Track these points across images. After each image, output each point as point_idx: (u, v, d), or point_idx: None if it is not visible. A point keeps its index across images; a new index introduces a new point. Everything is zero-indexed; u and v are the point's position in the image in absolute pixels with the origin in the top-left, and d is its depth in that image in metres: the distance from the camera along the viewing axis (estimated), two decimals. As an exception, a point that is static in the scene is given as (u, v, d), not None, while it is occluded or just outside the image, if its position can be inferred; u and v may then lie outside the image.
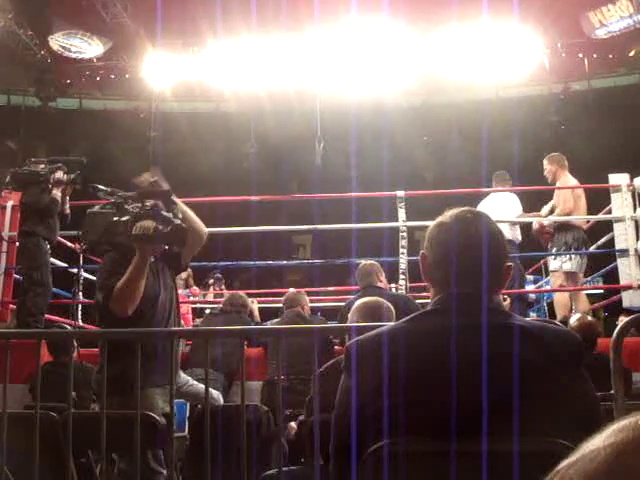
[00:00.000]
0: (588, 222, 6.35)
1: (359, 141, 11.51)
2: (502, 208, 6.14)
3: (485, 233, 1.41)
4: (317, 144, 9.49)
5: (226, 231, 6.61)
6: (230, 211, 10.69)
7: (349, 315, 3.61)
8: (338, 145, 11.64)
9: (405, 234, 6.13)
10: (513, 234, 6.19)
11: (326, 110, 10.18)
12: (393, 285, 5.85)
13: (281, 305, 5.98)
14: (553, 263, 6.13)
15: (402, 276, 6.03)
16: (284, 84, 11.54)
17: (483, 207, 6.05)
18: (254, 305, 5.41)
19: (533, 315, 8.19)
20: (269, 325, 5.20)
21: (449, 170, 11.84)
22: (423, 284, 6.56)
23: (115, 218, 2.97)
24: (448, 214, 1.48)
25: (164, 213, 2.98)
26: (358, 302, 3.79)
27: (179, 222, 2.93)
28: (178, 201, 3.07)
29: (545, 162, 6.32)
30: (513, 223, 6.18)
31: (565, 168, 6.28)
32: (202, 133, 12.83)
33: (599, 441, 0.49)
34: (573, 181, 6.25)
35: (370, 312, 3.44)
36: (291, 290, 5.79)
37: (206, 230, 3.21)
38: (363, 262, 5.34)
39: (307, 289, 6.39)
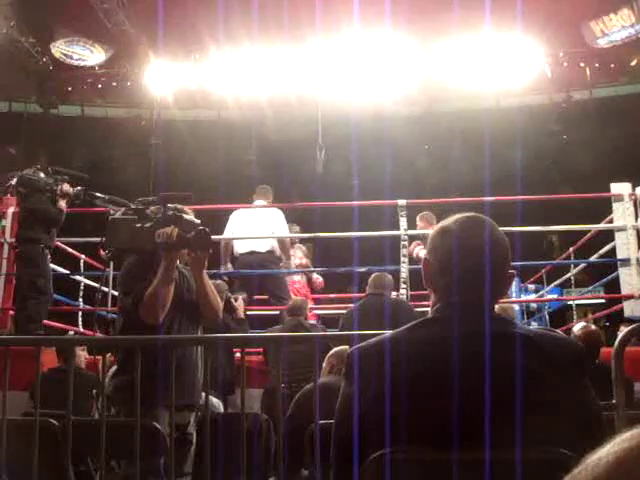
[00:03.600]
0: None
1: (360, 149, 11.52)
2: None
3: (488, 240, 1.40)
4: (318, 152, 9.48)
5: (226, 239, 6.61)
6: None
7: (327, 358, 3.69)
8: (339, 153, 11.65)
9: (406, 243, 6.14)
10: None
11: (327, 118, 10.19)
12: (394, 294, 5.87)
13: (280, 312, 6.00)
14: None
15: (403, 285, 6.03)
16: (285, 92, 11.58)
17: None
18: (239, 302, 5.38)
19: (534, 325, 8.19)
20: (269, 333, 5.22)
21: (451, 178, 11.84)
22: (424, 292, 6.58)
23: (138, 225, 2.96)
24: (452, 220, 1.47)
25: (187, 217, 2.98)
26: (333, 350, 3.87)
27: (203, 227, 2.93)
28: (205, 275, 3.03)
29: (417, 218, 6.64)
30: None
31: (432, 225, 6.39)
32: (203, 141, 12.86)
33: (603, 450, 0.51)
34: None
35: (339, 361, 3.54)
36: (295, 297, 5.80)
37: (221, 307, 3.19)
38: (377, 273, 5.43)
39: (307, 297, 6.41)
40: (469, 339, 1.33)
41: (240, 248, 6.43)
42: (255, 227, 6.39)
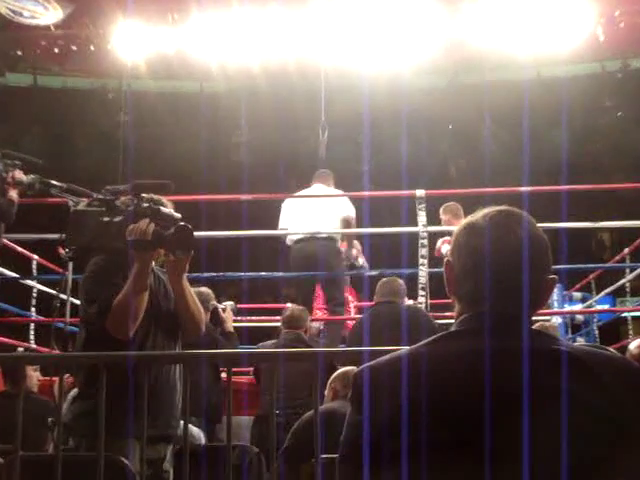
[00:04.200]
0: None
1: (372, 129, 11.50)
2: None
3: (525, 238, 1.41)
4: (321, 132, 9.46)
5: (211, 236, 6.63)
6: (216, 212, 10.73)
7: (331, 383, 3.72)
8: (346, 134, 11.64)
9: (426, 241, 6.17)
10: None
11: (333, 92, 10.17)
12: (411, 302, 5.91)
13: (276, 325, 6.03)
14: None
15: (422, 292, 6.05)
16: (282, 60, 11.51)
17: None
18: (227, 313, 5.42)
19: (581, 341, 8.19)
20: (262, 349, 5.24)
21: (480, 164, 11.84)
22: (446, 301, 6.59)
23: (106, 218, 2.96)
24: (480, 214, 1.48)
25: (164, 210, 2.98)
26: (336, 373, 3.90)
27: (184, 222, 2.93)
28: (186, 280, 3.04)
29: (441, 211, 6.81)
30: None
31: (460, 218, 6.47)
32: (183, 118, 12.85)
33: None
34: None
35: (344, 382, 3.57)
36: (292, 306, 5.83)
37: (204, 319, 3.20)
38: (386, 278, 5.49)
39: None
40: (503, 357, 1.33)
41: (293, 235, 6.51)
42: (314, 213, 6.49)
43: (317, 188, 6.81)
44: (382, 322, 5.05)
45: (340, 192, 6.70)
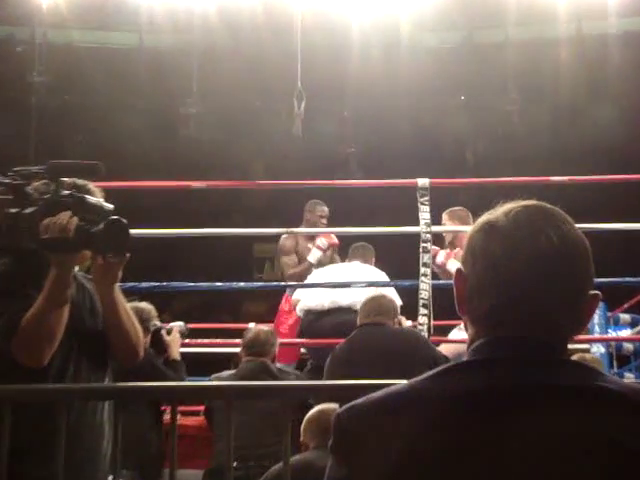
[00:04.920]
0: None
1: (362, 100, 11.54)
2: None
3: (559, 242, 1.41)
4: (296, 103, 9.46)
5: (153, 234, 6.62)
6: (160, 204, 10.70)
7: None
8: (329, 105, 11.64)
9: (429, 245, 6.16)
10: None
11: (312, 49, 10.19)
12: (409, 322, 5.92)
13: (236, 350, 6.04)
14: None
15: (423, 310, 6.05)
16: (246, 6, 11.54)
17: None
18: (174, 336, 5.44)
19: (630, 377, 8.24)
20: (216, 381, 5.25)
21: (500, 146, 11.89)
22: (455, 322, 6.65)
23: (13, 210, 2.92)
24: (502, 211, 1.48)
25: (91, 200, 2.95)
26: (311, 413, 3.91)
27: (117, 216, 2.87)
28: (119, 292, 3.02)
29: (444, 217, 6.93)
30: None
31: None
32: (117, 81, 12.80)
33: None
34: None
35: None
36: (256, 327, 5.84)
37: (142, 342, 3.18)
38: (372, 294, 5.49)
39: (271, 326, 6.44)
40: (528, 395, 1.33)
41: (307, 302, 6.61)
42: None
43: (354, 267, 6.86)
44: (368, 349, 5.07)
45: (383, 275, 6.75)
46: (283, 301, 7.35)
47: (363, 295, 6.29)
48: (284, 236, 7.47)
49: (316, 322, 6.51)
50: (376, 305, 5.44)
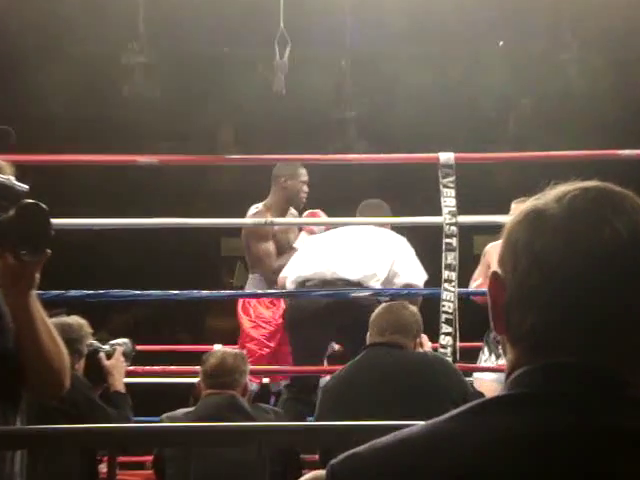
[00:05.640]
0: None
1: (365, 46, 11.55)
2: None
3: (632, 236, 1.40)
4: (278, 50, 9.44)
5: (85, 225, 6.61)
6: (95, 185, 10.69)
7: None
8: (322, 53, 11.66)
9: (455, 241, 6.17)
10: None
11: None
12: (429, 345, 5.92)
13: (196, 379, 6.03)
14: None
15: (446, 327, 6.07)
16: None
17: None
18: (116, 360, 5.44)
19: None
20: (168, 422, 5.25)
21: (553, 110, 11.91)
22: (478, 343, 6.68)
23: None
24: (553, 195, 1.47)
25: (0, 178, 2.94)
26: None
27: (34, 200, 2.86)
28: (36, 302, 3.04)
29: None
30: None
31: None
32: (34, 15, 12.77)
33: None
34: None
35: None
36: (221, 350, 5.84)
37: (69, 368, 3.15)
38: (389, 304, 5.50)
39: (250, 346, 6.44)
40: (590, 444, 1.31)
41: (301, 270, 6.72)
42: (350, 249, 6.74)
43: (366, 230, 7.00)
44: (379, 379, 5.08)
45: (404, 243, 6.75)
46: (240, 311, 7.39)
47: (379, 268, 6.31)
48: (253, 212, 7.52)
49: (309, 300, 6.64)
50: (394, 319, 5.41)
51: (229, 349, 6.00)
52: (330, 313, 6.37)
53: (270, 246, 7.45)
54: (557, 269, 1.40)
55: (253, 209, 7.42)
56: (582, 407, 1.34)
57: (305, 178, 7.47)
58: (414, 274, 6.60)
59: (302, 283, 6.57)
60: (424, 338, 5.64)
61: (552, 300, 1.40)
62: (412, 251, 6.68)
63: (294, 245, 7.33)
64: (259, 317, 7.30)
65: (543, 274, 1.41)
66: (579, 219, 1.42)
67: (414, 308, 5.58)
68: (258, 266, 7.58)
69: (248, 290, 7.58)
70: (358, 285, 6.32)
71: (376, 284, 6.44)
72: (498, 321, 1.47)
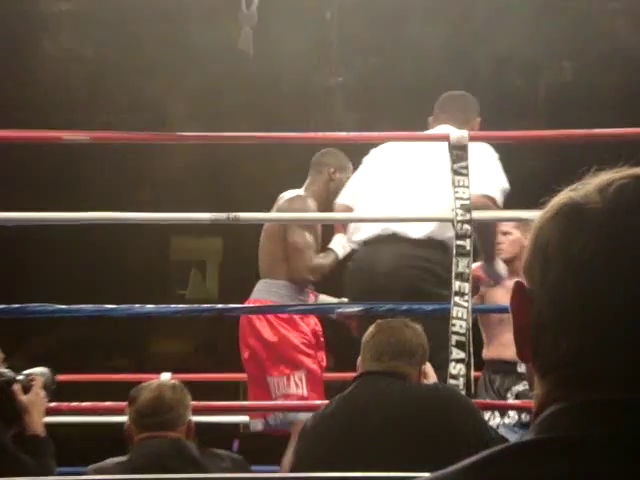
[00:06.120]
0: None
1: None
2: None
3: None
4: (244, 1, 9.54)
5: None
6: (8, 168, 10.69)
7: None
8: (299, 3, 11.72)
9: (467, 243, 6.16)
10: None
11: None
12: (434, 374, 5.92)
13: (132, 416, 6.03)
14: None
15: (457, 352, 6.07)
16: None
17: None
18: (34, 394, 5.43)
19: None
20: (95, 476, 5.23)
21: (594, 74, 11.97)
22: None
23: None
24: (594, 185, 1.47)
25: None
26: None
27: None
28: None
29: None
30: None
31: None
32: None
33: None
34: None
35: None
36: (156, 383, 5.81)
37: None
38: (385, 321, 5.48)
39: (202, 376, 6.43)
40: None
41: (364, 229, 6.97)
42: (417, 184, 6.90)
43: (439, 131, 7.07)
44: (375, 418, 5.04)
45: (489, 149, 6.76)
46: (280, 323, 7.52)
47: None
48: (292, 196, 7.74)
49: (365, 256, 6.91)
50: (394, 340, 5.37)
51: (165, 380, 5.94)
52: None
53: (310, 237, 7.52)
54: (600, 279, 1.40)
55: (292, 193, 7.60)
56: (631, 455, 1.33)
57: (351, 175, 7.63)
58: (489, 183, 6.70)
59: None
60: (428, 366, 5.60)
61: (593, 319, 1.40)
62: (492, 156, 6.87)
63: (330, 246, 7.41)
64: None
65: (581, 286, 1.41)
66: (628, 216, 1.42)
67: (418, 327, 5.51)
68: (289, 263, 7.69)
69: (262, 302, 7.69)
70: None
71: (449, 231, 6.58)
72: (523, 346, 1.48)
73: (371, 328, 5.44)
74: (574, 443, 1.36)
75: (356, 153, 7.34)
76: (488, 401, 6.46)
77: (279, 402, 6.99)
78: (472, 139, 6.21)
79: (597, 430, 1.35)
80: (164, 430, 5.23)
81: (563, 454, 1.35)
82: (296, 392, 7.29)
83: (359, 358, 5.43)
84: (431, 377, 5.65)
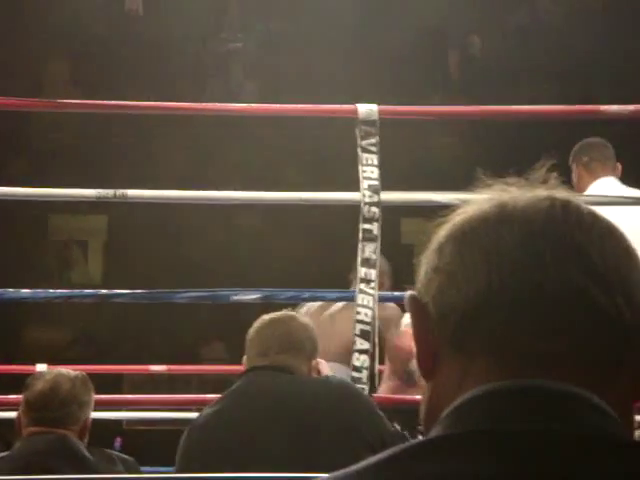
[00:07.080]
0: None
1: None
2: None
3: (598, 245, 1.47)
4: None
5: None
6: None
7: None
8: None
9: (376, 227, 6.19)
10: None
11: None
12: (328, 370, 5.93)
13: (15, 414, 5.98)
14: None
15: (360, 342, 6.09)
16: None
17: None
18: None
19: None
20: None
21: (509, 48, 12.09)
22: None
23: None
24: (491, 209, 1.52)
25: None
26: None
27: None
28: None
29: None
30: None
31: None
32: None
33: None
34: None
35: None
36: (51, 374, 5.77)
37: None
38: (269, 316, 5.47)
39: (81, 367, 6.43)
40: None
41: None
42: None
43: (608, 184, 7.18)
44: (262, 415, 5.12)
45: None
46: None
47: None
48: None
49: None
50: (280, 333, 5.36)
51: (66, 371, 5.76)
52: None
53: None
54: (498, 291, 1.48)
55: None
56: (548, 449, 1.37)
57: None
58: None
59: None
60: (322, 363, 5.60)
61: (495, 318, 1.48)
62: None
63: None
64: None
65: (481, 298, 1.50)
66: (529, 225, 1.50)
67: (307, 320, 5.54)
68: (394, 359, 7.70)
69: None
70: None
71: None
72: (424, 356, 1.56)
73: (255, 323, 5.43)
74: (486, 440, 1.42)
75: (256, 125, 7.38)
76: (392, 396, 6.47)
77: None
78: (383, 114, 6.23)
79: (507, 424, 1.42)
80: (54, 427, 5.16)
81: (461, 452, 1.42)
82: None
83: (244, 356, 5.43)
84: (325, 371, 5.68)
